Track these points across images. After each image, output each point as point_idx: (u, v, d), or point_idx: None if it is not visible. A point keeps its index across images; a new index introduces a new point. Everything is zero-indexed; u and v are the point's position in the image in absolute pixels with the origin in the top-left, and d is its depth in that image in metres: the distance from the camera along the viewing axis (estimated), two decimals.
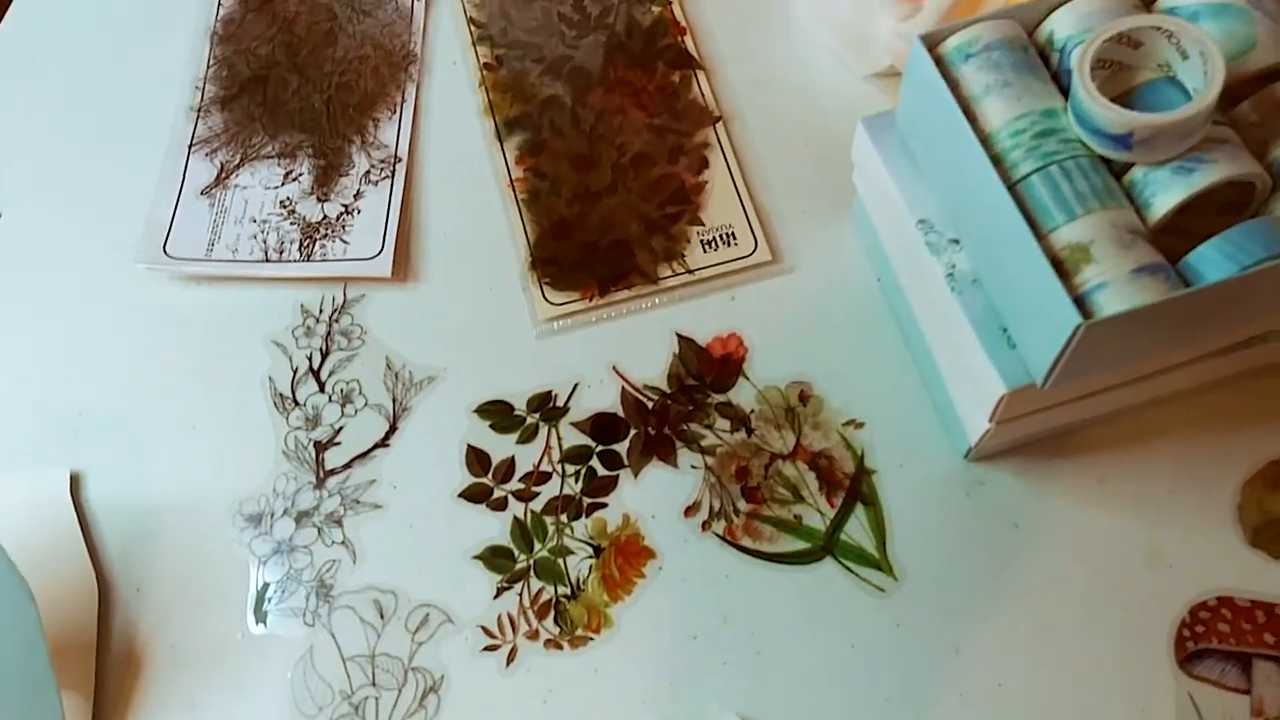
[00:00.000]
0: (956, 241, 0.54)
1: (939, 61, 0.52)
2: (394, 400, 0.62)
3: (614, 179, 0.67)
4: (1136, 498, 0.59)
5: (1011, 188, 0.49)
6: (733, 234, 0.65)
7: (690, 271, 0.64)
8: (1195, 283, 0.47)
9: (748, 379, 0.62)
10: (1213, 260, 0.47)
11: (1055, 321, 0.46)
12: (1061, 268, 0.47)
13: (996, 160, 0.50)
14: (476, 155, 0.69)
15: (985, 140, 0.50)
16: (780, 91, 0.70)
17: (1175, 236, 0.49)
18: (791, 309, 0.64)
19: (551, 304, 0.64)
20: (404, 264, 0.66)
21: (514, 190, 0.67)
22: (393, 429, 0.62)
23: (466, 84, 0.71)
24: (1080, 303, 0.46)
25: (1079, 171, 0.48)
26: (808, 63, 0.70)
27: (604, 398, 0.62)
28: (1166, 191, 0.48)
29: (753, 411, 0.61)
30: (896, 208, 0.57)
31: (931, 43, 0.52)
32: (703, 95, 0.70)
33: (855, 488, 0.59)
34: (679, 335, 0.63)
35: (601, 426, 0.61)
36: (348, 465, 0.61)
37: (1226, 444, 0.60)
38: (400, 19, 0.73)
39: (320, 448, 0.61)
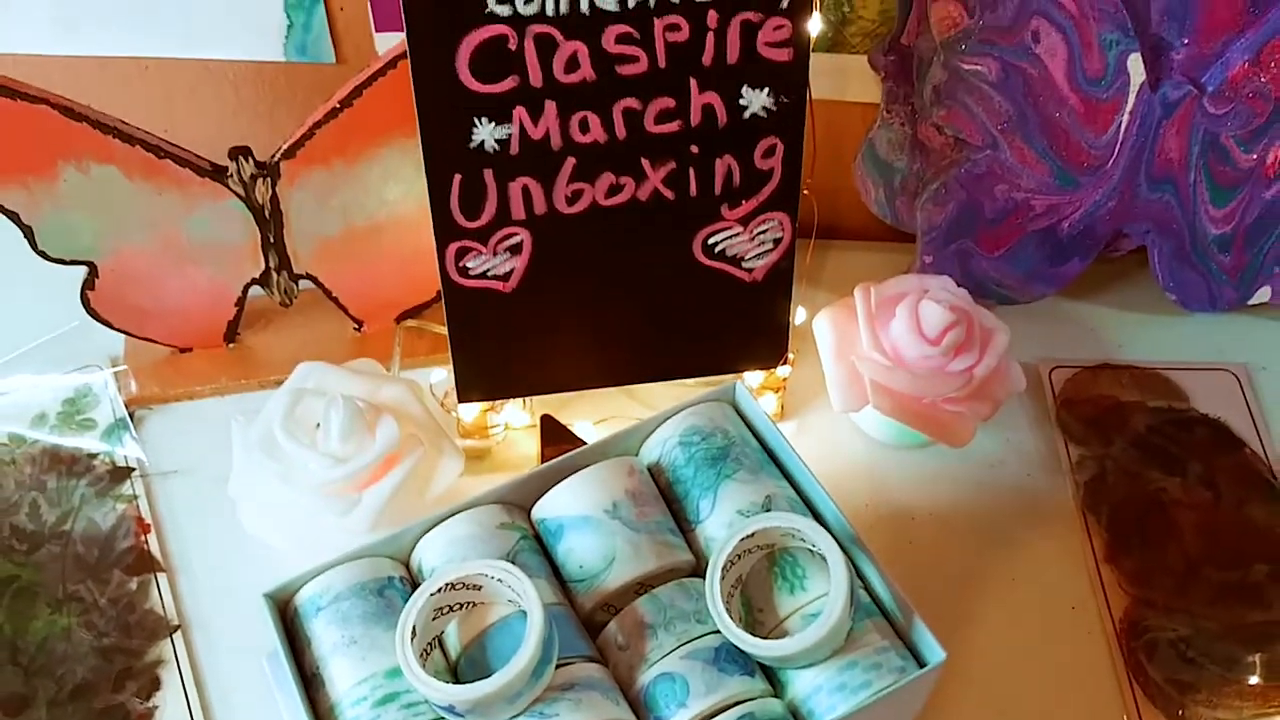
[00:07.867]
0: None
1: (295, 616, 0.48)
2: None
3: None
4: None
5: None
6: None
7: None
8: None
9: None
10: None
11: None
12: None
13: None
14: None
15: (332, 711, 0.46)
16: (250, 594, 0.64)
17: None
18: None
19: None
20: None
21: None
22: None
23: None
24: None
25: None
26: (276, 562, 0.65)
27: None
28: None
29: None
30: None
31: (282, 597, 0.48)
32: (162, 603, 0.64)
33: None
34: None
35: None
36: None
37: None
38: None
39: None
